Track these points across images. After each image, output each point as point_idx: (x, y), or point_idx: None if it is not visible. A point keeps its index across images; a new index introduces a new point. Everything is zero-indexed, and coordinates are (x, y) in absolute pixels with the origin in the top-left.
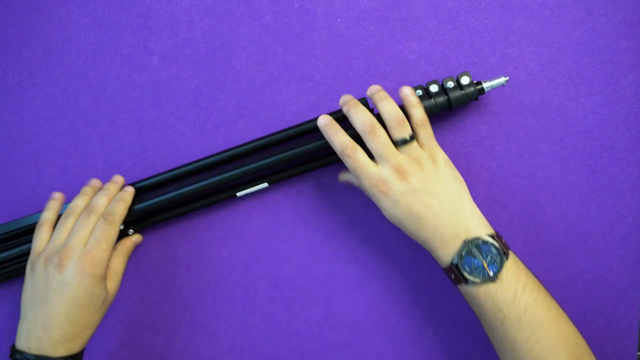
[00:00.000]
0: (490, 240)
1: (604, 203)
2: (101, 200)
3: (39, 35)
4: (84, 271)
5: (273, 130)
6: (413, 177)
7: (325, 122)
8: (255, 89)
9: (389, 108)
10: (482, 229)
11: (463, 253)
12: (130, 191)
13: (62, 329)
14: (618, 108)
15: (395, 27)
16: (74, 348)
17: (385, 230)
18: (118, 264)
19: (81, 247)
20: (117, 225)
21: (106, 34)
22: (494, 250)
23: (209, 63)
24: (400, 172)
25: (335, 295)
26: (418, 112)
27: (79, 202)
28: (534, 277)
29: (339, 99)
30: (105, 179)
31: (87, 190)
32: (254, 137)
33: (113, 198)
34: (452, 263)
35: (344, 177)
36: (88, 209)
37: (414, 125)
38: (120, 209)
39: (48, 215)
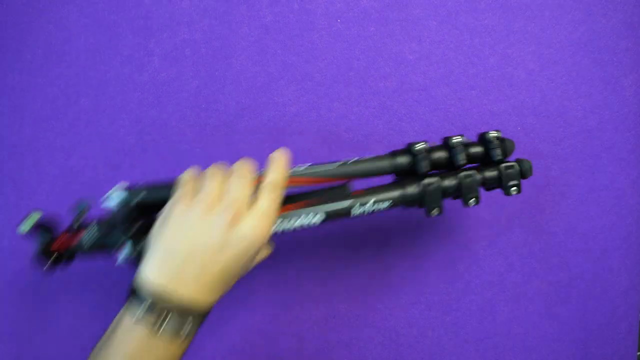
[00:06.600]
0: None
1: (604, 203)
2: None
3: (39, 36)
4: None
5: (273, 131)
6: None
7: None
8: (255, 89)
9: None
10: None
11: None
12: (283, 157)
13: (212, 283)
14: (618, 108)
15: (395, 27)
16: (208, 305)
17: (385, 230)
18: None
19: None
20: (282, 194)
21: (106, 35)
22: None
23: (209, 63)
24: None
25: (335, 295)
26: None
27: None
28: None
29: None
30: (105, 179)
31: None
32: (255, 138)
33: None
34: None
35: None
36: (238, 172)
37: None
38: (281, 177)
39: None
